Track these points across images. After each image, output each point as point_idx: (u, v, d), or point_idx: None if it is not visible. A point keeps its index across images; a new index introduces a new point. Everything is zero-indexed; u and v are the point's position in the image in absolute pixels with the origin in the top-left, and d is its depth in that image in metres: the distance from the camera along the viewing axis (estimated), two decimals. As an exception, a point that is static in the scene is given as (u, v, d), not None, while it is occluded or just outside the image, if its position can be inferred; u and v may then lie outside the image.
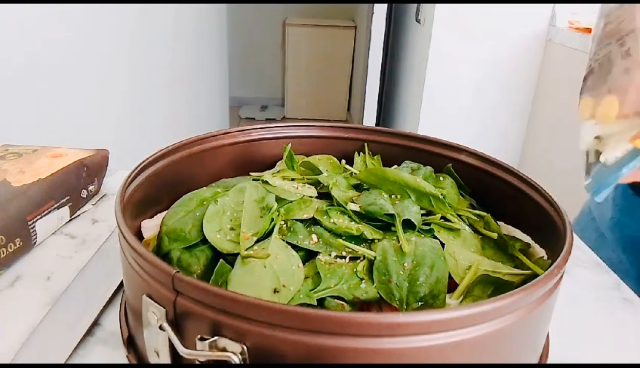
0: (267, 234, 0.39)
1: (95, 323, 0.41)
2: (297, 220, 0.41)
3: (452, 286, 0.37)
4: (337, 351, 0.27)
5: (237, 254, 0.36)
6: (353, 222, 0.41)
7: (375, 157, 0.55)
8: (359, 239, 0.39)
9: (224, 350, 0.28)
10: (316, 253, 0.38)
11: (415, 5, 2.18)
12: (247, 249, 0.37)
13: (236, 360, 0.27)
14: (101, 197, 0.62)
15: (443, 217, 0.44)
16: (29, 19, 1.01)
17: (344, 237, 0.39)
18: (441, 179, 0.50)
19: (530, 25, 1.88)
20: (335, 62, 3.48)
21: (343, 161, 0.55)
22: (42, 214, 0.52)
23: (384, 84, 2.54)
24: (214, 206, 0.41)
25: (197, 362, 0.29)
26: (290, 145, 0.52)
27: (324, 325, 0.27)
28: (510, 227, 0.46)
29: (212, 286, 0.29)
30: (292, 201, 0.43)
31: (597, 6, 0.43)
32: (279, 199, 0.43)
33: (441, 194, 0.45)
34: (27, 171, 0.53)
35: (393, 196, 0.45)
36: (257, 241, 0.38)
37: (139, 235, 0.42)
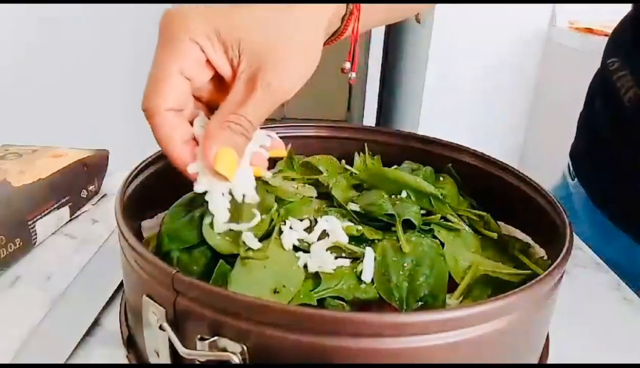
0: (267, 235, 0.39)
1: (95, 323, 0.41)
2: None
3: (452, 286, 0.37)
4: (337, 351, 0.27)
5: (237, 255, 0.36)
6: (353, 222, 0.41)
7: (375, 157, 0.55)
8: (359, 239, 0.39)
9: (224, 350, 0.28)
10: (316, 254, 0.37)
11: (415, 5, 2.17)
12: (246, 250, 0.37)
13: (236, 360, 0.27)
14: (101, 197, 0.62)
15: (443, 217, 0.44)
16: (29, 19, 1.01)
17: (344, 237, 0.39)
18: (441, 178, 0.50)
19: (530, 26, 1.88)
20: (335, 62, 3.47)
21: (343, 161, 0.55)
22: (42, 214, 0.52)
23: (384, 84, 2.54)
24: (214, 206, 0.41)
25: (197, 362, 0.29)
26: (290, 145, 0.51)
27: (324, 325, 0.26)
28: (510, 227, 0.46)
29: (212, 286, 0.29)
30: (292, 201, 0.43)
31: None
32: (279, 200, 0.43)
33: (441, 194, 0.45)
34: (27, 171, 0.53)
35: (393, 196, 0.45)
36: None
37: (139, 235, 0.42)
